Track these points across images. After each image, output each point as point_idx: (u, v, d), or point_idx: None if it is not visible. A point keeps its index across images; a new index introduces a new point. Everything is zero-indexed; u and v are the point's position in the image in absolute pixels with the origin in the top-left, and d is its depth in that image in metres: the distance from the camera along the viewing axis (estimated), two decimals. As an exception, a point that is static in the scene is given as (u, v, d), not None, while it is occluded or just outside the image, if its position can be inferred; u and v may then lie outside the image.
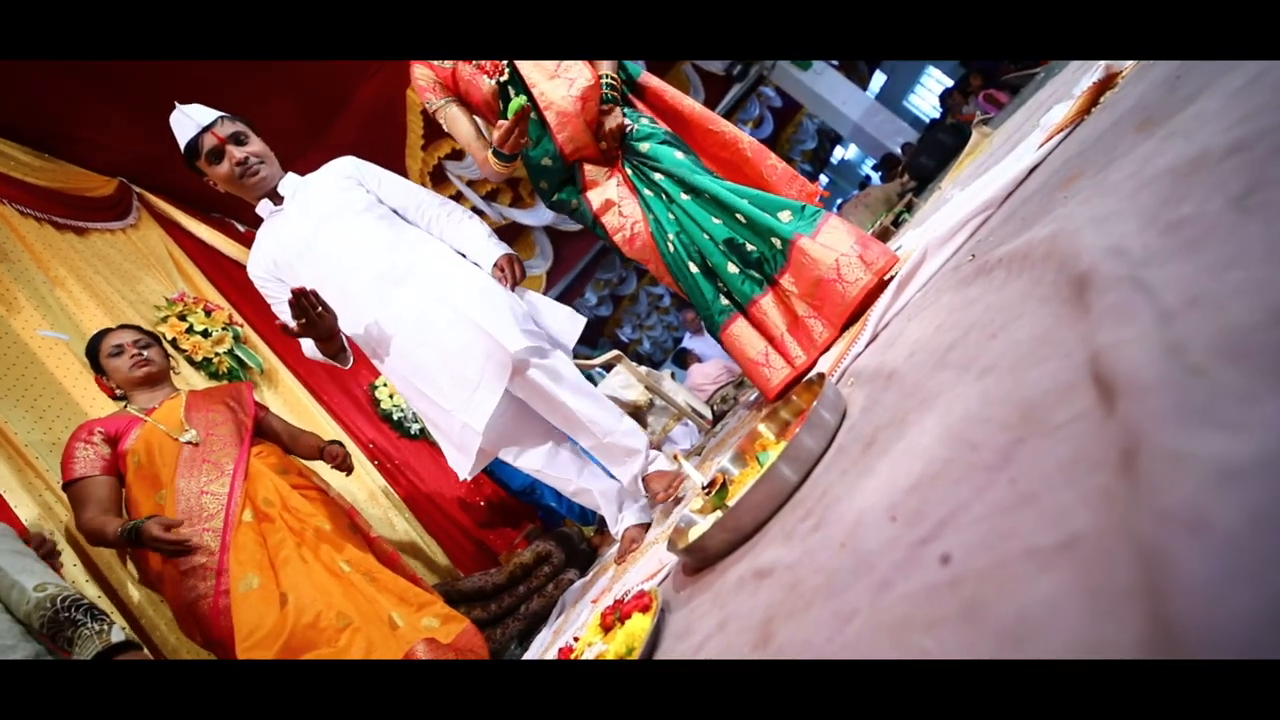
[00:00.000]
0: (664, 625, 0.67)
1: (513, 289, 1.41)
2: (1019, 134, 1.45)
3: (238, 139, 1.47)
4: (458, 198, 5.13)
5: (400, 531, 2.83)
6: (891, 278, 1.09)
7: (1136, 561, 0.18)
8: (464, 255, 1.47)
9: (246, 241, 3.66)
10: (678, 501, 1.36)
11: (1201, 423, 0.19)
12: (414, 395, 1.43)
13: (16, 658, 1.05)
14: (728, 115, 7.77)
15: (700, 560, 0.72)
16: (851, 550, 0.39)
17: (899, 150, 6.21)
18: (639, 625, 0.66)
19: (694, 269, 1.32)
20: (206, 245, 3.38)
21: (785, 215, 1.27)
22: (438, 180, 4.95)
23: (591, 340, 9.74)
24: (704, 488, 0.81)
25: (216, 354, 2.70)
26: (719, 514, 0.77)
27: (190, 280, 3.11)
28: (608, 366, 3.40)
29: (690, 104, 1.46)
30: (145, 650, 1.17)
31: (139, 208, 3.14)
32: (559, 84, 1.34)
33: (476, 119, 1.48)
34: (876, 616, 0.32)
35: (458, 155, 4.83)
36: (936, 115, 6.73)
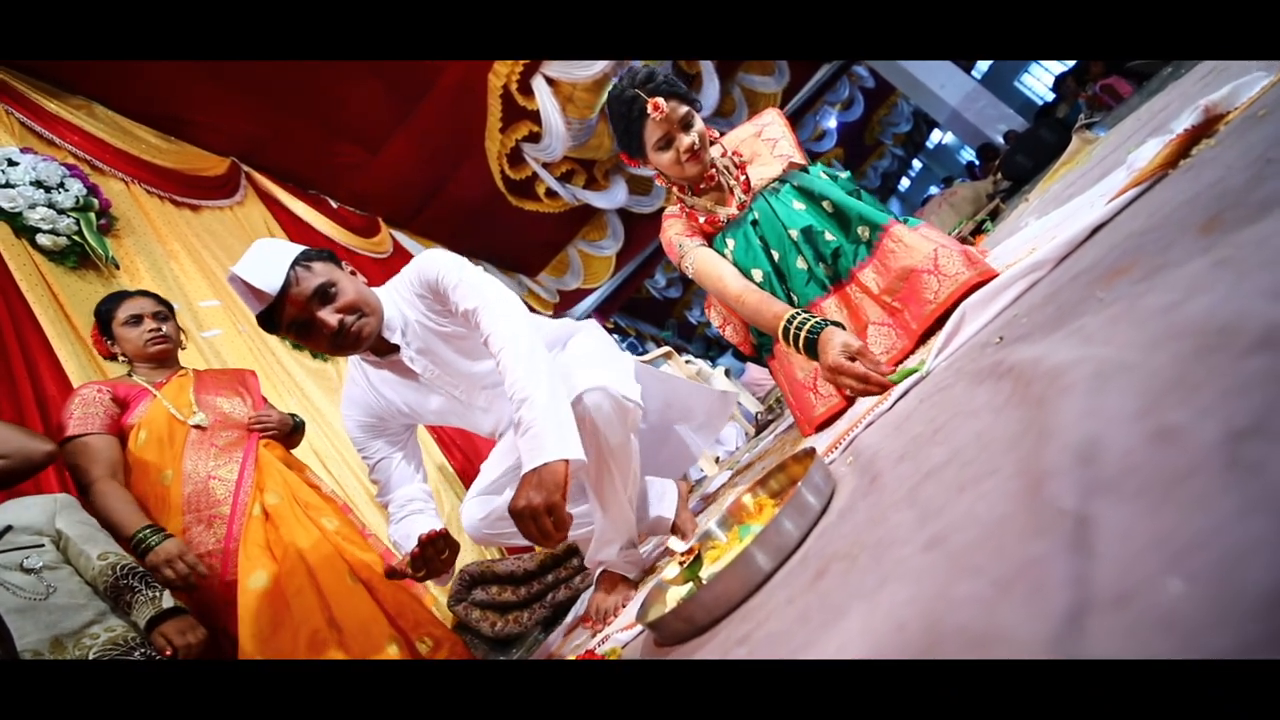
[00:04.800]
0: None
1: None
2: (1110, 159, 1.25)
3: (324, 295, 1.02)
4: (533, 179, 5.18)
5: (447, 507, 2.96)
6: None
7: None
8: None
9: (338, 218, 3.89)
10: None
11: None
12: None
13: (87, 616, 1.19)
14: (815, 97, 7.29)
15: (662, 637, 0.69)
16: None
17: (1000, 139, 5.65)
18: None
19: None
20: (302, 221, 3.59)
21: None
22: (514, 161, 5.01)
23: (659, 321, 9.70)
24: (681, 556, 0.78)
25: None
26: (690, 587, 0.74)
27: (284, 255, 3.31)
28: (674, 352, 3.37)
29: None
30: (191, 616, 1.28)
31: (246, 186, 3.36)
32: None
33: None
34: None
35: (534, 138, 4.85)
36: (1050, 99, 6.05)
